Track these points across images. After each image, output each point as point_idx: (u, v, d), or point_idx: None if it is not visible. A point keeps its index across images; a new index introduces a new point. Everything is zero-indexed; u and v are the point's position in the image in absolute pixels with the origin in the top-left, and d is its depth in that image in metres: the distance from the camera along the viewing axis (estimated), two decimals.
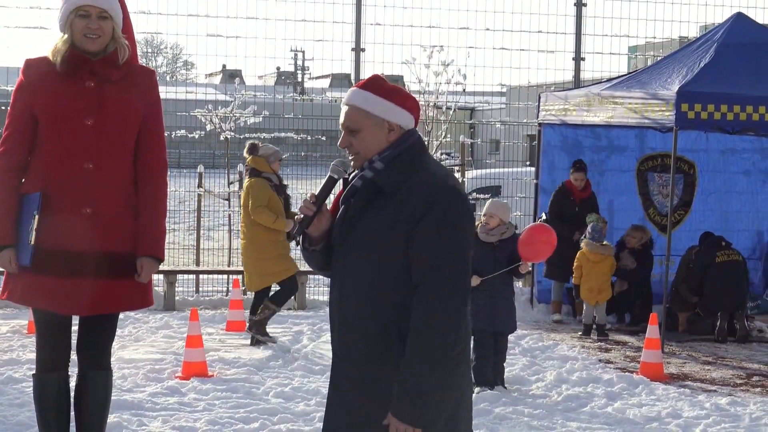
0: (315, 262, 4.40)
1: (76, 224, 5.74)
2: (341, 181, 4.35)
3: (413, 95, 4.40)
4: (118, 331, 6.79)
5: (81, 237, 5.75)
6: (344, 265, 4.23)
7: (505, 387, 9.45)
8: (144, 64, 6.53)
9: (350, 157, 4.28)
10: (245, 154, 11.54)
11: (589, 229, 12.77)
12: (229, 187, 15.68)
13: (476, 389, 9.11)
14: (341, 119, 4.27)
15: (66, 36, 5.78)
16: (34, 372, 6.08)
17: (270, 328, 11.49)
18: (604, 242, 12.79)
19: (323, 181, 4.30)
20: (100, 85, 5.79)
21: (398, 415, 4.03)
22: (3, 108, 6.42)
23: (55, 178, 5.76)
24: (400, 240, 4.09)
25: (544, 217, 13.32)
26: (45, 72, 5.80)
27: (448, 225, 4.09)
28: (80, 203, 5.76)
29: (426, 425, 4.05)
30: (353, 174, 4.29)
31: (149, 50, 68.54)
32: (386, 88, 4.28)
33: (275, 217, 11.19)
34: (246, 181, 11.55)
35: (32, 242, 5.71)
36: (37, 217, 5.70)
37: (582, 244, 12.76)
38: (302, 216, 4.25)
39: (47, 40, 5.95)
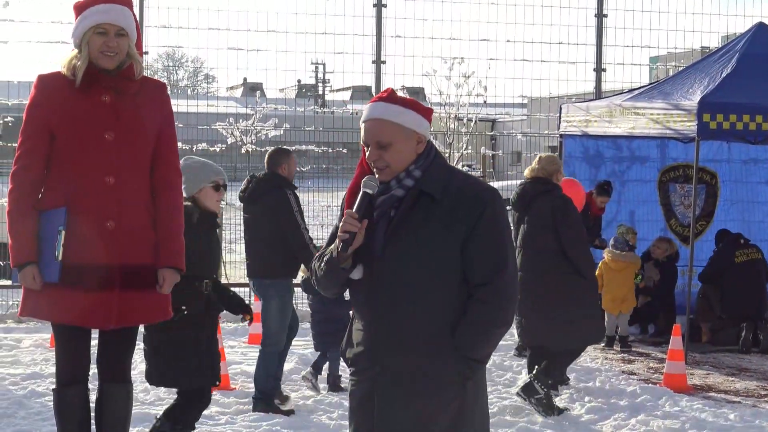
0: (338, 280, 4.32)
1: (100, 238, 5.74)
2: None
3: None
4: (142, 345, 6.78)
5: (105, 251, 5.75)
6: (392, 275, 4.21)
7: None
8: (164, 78, 6.55)
9: (378, 171, 4.26)
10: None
11: (611, 240, 12.73)
12: None
13: None
14: (368, 134, 4.24)
15: (82, 52, 5.76)
16: (54, 387, 6.08)
17: (294, 341, 11.44)
18: (626, 252, 12.66)
19: (357, 199, 4.24)
20: (115, 99, 5.80)
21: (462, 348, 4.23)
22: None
23: (77, 193, 5.75)
24: (455, 243, 4.19)
25: None
26: (59, 87, 5.78)
27: (503, 223, 4.28)
28: (103, 217, 5.76)
29: (481, 358, 4.31)
30: (379, 187, 4.28)
31: (170, 64, 68.74)
32: (408, 100, 4.32)
33: None
34: None
35: (60, 258, 5.68)
36: (63, 232, 5.69)
37: (604, 253, 12.70)
38: (347, 234, 4.19)
39: (67, 55, 5.92)
